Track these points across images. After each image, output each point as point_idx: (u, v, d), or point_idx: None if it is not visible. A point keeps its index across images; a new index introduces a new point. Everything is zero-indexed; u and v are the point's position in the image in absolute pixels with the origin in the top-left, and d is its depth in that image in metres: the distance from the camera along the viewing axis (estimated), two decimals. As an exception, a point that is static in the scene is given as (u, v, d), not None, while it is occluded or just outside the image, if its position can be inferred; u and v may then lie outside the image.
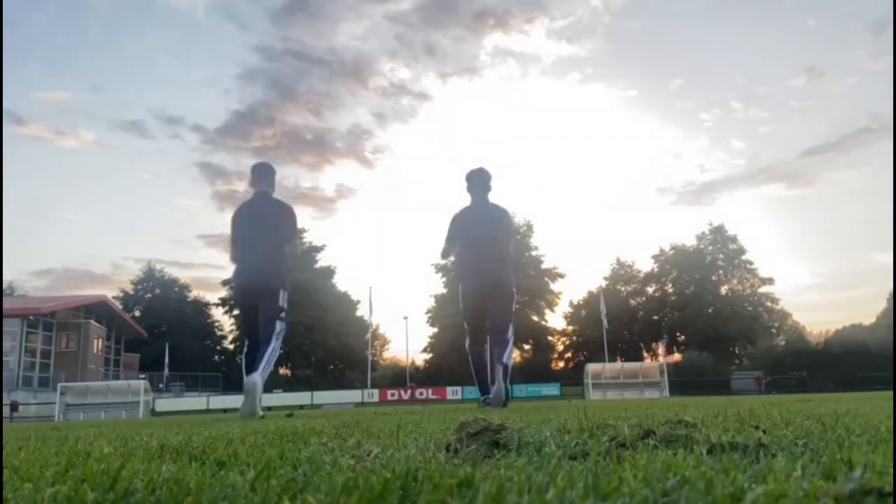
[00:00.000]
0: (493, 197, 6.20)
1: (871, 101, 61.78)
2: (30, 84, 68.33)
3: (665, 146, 73.50)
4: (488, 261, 5.75)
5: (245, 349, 5.83)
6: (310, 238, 52.37)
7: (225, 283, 50.85)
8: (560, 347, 53.73)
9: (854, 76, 64.80)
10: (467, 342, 5.99)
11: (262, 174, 5.93)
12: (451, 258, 6.30)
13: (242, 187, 70.57)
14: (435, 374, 45.00)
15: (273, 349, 5.61)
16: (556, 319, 53.05)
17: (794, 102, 67.76)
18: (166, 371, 40.32)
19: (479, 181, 5.96)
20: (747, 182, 67.67)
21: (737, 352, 48.95)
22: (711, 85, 71.52)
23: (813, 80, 63.93)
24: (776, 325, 49.92)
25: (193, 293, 54.85)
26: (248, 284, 5.76)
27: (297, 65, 68.20)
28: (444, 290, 50.59)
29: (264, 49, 74.32)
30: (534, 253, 50.70)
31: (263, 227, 5.76)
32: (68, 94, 72.01)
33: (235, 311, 49.64)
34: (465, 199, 6.28)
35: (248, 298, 5.81)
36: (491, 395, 5.49)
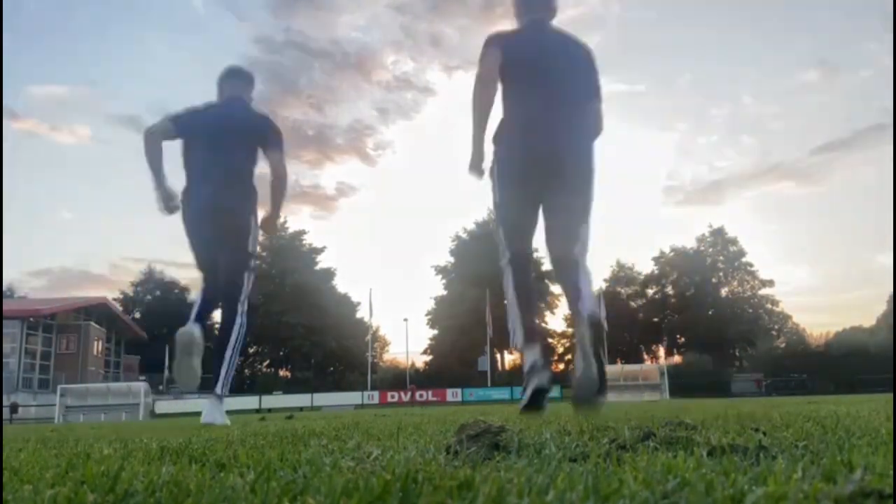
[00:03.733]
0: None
1: (885, 96, 61.13)
2: (23, 78, 67.98)
3: (673, 143, 72.98)
4: (553, 112, 3.31)
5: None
6: (310, 239, 52.38)
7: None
8: (560, 349, 53.70)
9: (868, 70, 64.16)
10: (507, 256, 3.46)
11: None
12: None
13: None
14: (435, 375, 44.99)
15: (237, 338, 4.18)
16: (556, 321, 53.13)
17: (807, 97, 67.35)
18: (166, 373, 40.25)
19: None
20: (757, 180, 67.43)
21: (737, 354, 48.94)
22: (722, 79, 70.95)
23: (826, 75, 63.47)
24: (776, 327, 49.93)
25: (193, 294, 54.78)
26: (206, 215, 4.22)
27: (299, 57, 67.90)
28: (444, 292, 50.62)
29: (264, 40, 74.13)
30: (534, 255, 50.63)
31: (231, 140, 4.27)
32: (63, 87, 71.86)
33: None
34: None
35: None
36: (580, 377, 3.04)
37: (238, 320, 4.19)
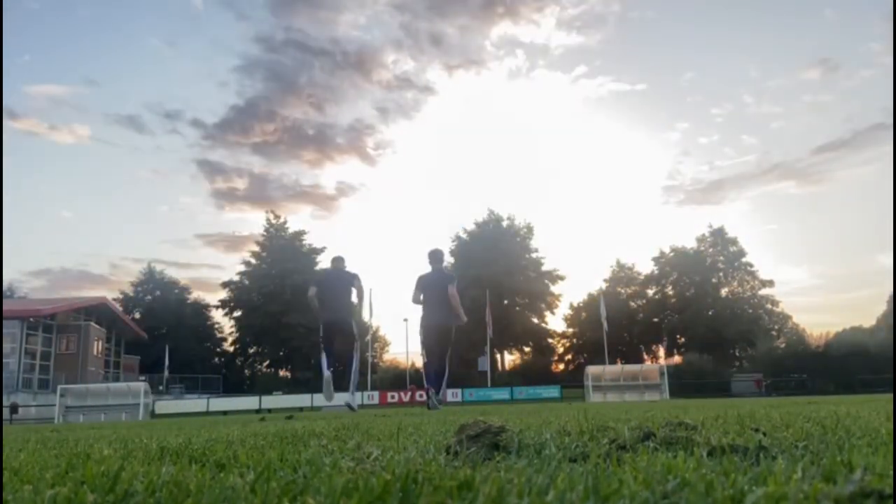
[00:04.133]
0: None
1: (885, 96, 60.42)
2: (22, 77, 67.46)
3: (673, 143, 72.61)
4: (438, 311, 8.78)
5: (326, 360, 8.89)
6: (310, 240, 52.39)
7: (225, 284, 50.88)
8: (560, 350, 53.70)
9: (869, 69, 63.48)
10: (425, 361, 9.15)
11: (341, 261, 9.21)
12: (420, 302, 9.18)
13: (242, 185, 70.63)
14: (435, 376, 44.92)
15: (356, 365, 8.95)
16: (556, 322, 53.09)
17: (808, 97, 66.90)
18: (166, 373, 40.30)
19: (435, 258, 9.04)
20: (757, 180, 67.16)
21: (737, 354, 48.92)
22: (722, 79, 70.33)
23: (827, 74, 63.08)
24: (776, 327, 49.89)
25: (193, 295, 54.86)
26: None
27: (299, 56, 67.44)
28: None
29: (264, 39, 74.00)
30: (534, 255, 50.70)
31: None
32: (62, 87, 71.54)
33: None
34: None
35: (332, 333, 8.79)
36: (435, 400, 8.78)
37: (355, 358, 8.82)
